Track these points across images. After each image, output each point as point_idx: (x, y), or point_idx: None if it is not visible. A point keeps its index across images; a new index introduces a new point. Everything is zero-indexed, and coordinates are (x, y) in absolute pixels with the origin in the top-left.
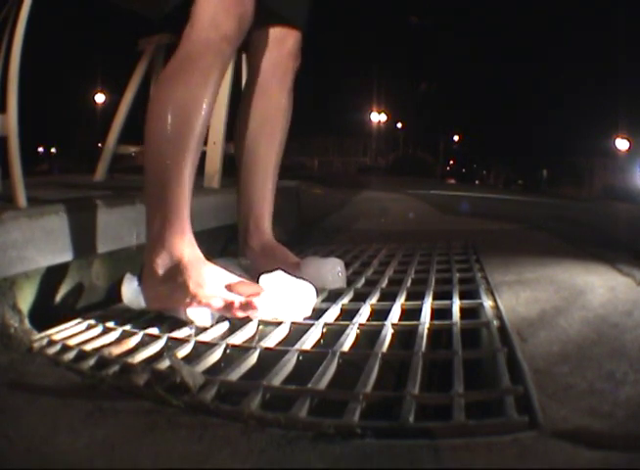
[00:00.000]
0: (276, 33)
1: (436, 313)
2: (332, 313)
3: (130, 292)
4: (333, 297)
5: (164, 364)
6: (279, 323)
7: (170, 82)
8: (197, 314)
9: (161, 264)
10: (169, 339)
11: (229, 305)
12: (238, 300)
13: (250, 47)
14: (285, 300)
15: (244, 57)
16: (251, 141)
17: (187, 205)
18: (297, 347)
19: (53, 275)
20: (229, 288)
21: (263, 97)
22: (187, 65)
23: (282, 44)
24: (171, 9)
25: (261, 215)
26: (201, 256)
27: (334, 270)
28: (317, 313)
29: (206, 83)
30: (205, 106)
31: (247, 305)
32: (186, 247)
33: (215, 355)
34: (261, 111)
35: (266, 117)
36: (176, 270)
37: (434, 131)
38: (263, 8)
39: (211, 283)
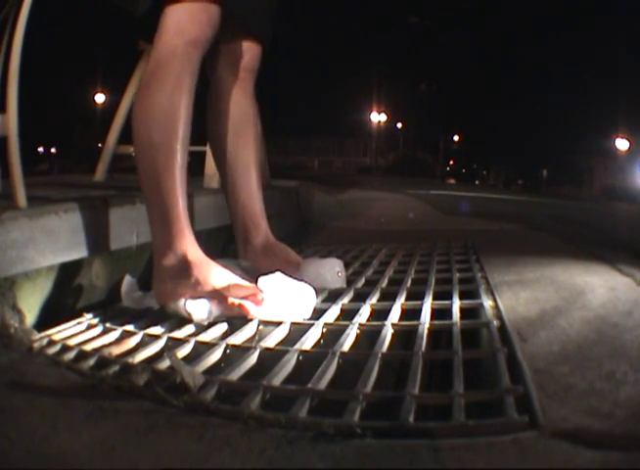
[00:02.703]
0: (237, 48)
1: (436, 313)
2: (332, 313)
3: (130, 293)
4: (333, 297)
5: (164, 364)
6: (279, 323)
7: (147, 91)
8: (195, 307)
9: (167, 264)
10: (169, 339)
11: (226, 303)
12: (235, 299)
13: (211, 57)
14: (284, 301)
15: None
16: (225, 144)
17: (183, 207)
18: (297, 347)
19: (53, 275)
20: (228, 287)
21: (229, 103)
22: (158, 72)
23: (241, 59)
24: (142, 14)
25: (255, 214)
26: (202, 255)
27: (333, 270)
28: (317, 313)
29: (180, 88)
30: (182, 110)
31: (243, 305)
32: (188, 247)
33: (215, 355)
34: (229, 115)
35: (235, 120)
36: (180, 268)
37: (434, 131)
38: (230, 20)
39: (212, 280)
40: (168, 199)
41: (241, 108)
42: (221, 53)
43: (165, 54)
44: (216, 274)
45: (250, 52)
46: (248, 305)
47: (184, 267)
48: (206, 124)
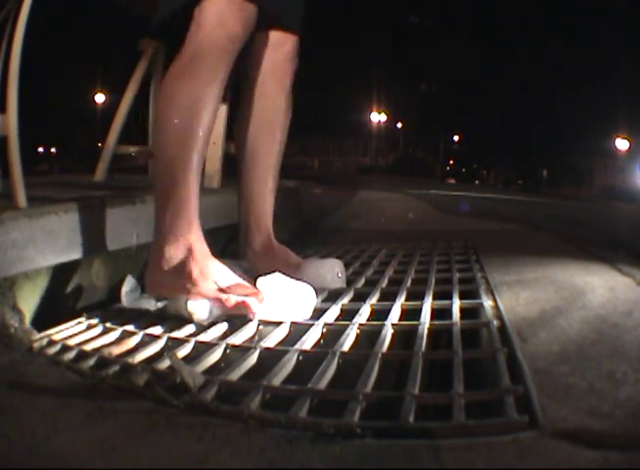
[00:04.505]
0: (274, 37)
1: (436, 313)
2: (332, 313)
3: (130, 293)
4: (333, 297)
5: (164, 364)
6: (279, 323)
7: (177, 81)
8: (197, 308)
9: (169, 254)
10: (169, 339)
11: (226, 302)
12: (234, 299)
13: (249, 50)
14: (283, 302)
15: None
16: (250, 141)
17: (195, 198)
18: (297, 347)
19: (53, 275)
20: (229, 286)
21: (262, 98)
22: (194, 64)
23: (280, 48)
24: (169, 15)
25: (262, 215)
26: (208, 251)
27: (333, 271)
28: (317, 313)
29: (213, 82)
30: (211, 103)
31: (242, 305)
32: (195, 240)
33: (215, 355)
34: (260, 112)
35: (265, 117)
36: (183, 261)
37: (435, 131)
38: (263, 12)
39: (213, 278)
40: (184, 190)
41: (274, 104)
42: (259, 45)
43: (206, 46)
44: (218, 272)
45: (287, 42)
46: (250, 301)
47: (188, 260)
48: (237, 117)
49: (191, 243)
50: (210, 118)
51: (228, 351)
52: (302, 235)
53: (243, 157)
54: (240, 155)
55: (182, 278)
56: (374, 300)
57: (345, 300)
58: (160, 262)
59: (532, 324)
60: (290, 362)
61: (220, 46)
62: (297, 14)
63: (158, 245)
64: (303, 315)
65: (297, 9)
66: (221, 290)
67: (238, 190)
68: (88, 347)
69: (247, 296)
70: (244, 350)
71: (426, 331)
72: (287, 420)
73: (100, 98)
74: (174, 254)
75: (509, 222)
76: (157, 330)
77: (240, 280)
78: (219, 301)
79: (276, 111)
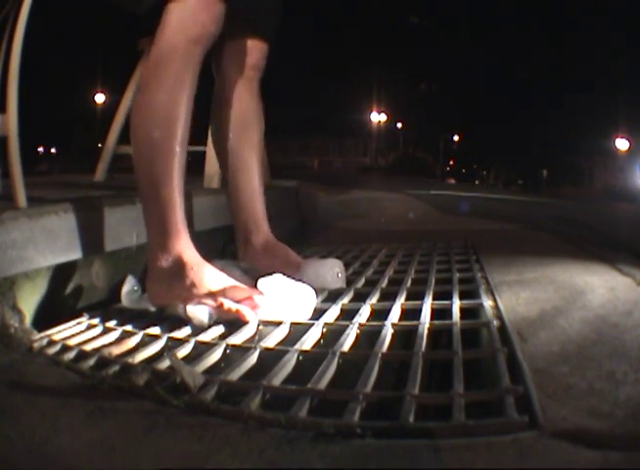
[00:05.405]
0: (243, 46)
1: (436, 313)
2: (332, 313)
3: (130, 293)
4: (333, 297)
5: (164, 364)
6: (279, 323)
7: (146, 89)
8: (195, 311)
9: (162, 265)
10: (169, 339)
11: (222, 308)
12: (229, 303)
13: (217, 55)
14: (284, 303)
15: None
16: (229, 144)
17: (179, 207)
18: (297, 347)
19: (53, 275)
20: (223, 291)
21: (234, 102)
22: (158, 70)
23: (247, 57)
24: (144, 12)
25: (256, 215)
26: (198, 257)
27: (333, 271)
28: (317, 313)
29: (180, 87)
30: (182, 109)
31: (240, 310)
32: (183, 248)
33: (215, 355)
34: (234, 114)
35: (240, 119)
36: (175, 270)
37: (435, 131)
38: (235, 17)
39: (207, 284)
40: (166, 199)
41: (246, 107)
42: (227, 51)
43: (167, 51)
44: (212, 277)
45: (256, 50)
46: (244, 309)
47: (179, 269)
48: (210, 123)
49: (180, 252)
50: (184, 126)
51: (228, 351)
52: (302, 235)
53: (225, 160)
54: (221, 158)
55: (177, 287)
56: (374, 300)
57: (345, 300)
58: (155, 273)
59: (532, 324)
60: (290, 362)
61: (181, 51)
62: (272, 22)
63: (150, 256)
64: (303, 315)
65: (272, 16)
66: (215, 295)
67: (227, 193)
68: (88, 347)
69: (242, 300)
70: (244, 350)
71: (426, 331)
72: (287, 420)
73: (100, 98)
74: (166, 264)
75: (509, 222)
76: (157, 330)
77: (235, 283)
78: (215, 306)
79: (249, 112)
